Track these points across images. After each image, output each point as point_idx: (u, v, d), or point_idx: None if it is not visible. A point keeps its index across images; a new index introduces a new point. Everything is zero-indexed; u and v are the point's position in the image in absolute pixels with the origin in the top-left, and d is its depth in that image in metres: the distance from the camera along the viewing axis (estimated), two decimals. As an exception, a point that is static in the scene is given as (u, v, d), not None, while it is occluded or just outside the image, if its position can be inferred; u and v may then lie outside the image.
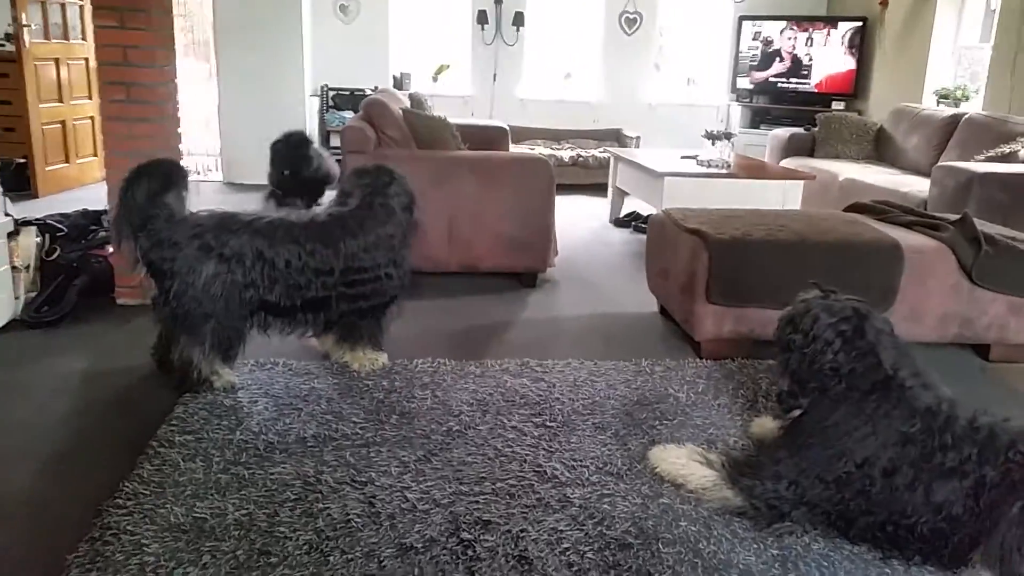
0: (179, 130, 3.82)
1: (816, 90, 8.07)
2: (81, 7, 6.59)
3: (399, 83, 7.68)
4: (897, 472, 1.99)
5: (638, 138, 7.75)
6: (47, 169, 6.21)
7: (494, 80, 8.20)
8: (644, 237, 4.25)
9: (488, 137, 5.83)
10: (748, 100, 8.42)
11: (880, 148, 6.69)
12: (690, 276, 3.33)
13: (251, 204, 4.13)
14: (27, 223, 3.61)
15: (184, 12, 7.18)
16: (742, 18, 8.34)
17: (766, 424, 2.62)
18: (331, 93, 7.60)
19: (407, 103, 5.40)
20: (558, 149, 7.60)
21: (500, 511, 2.13)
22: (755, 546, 2.04)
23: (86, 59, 6.63)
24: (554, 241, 4.40)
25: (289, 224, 2.85)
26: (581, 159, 7.41)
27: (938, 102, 6.81)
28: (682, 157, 5.74)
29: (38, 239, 3.60)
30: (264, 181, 4.44)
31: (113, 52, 3.56)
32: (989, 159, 5.13)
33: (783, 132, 7.05)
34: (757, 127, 8.21)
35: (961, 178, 4.61)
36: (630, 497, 2.22)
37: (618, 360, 3.23)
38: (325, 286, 2.88)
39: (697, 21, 8.72)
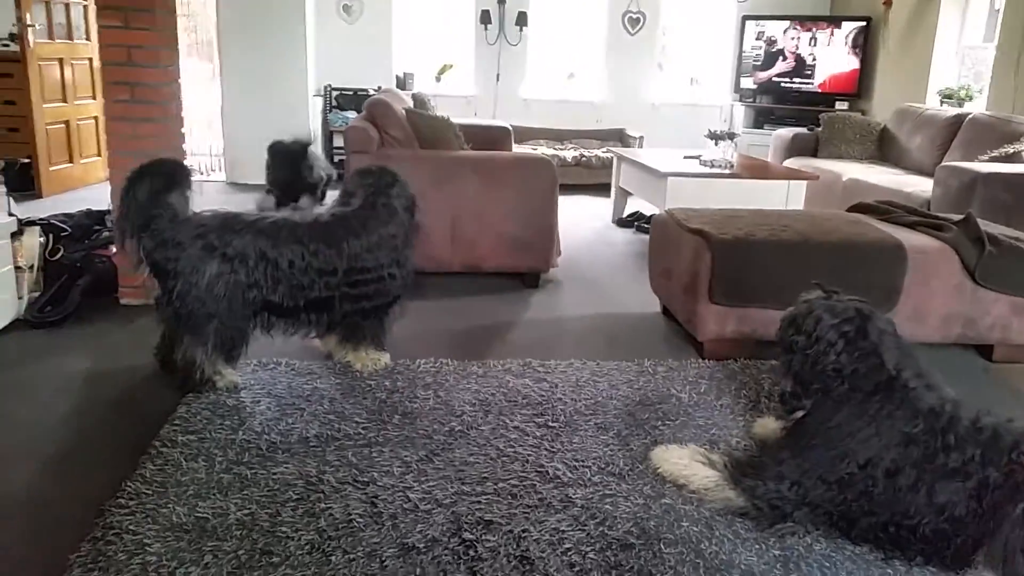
0: (183, 130, 3.82)
1: (819, 90, 8.05)
2: (85, 7, 6.61)
3: (402, 83, 7.69)
4: (900, 473, 1.99)
5: (641, 138, 7.75)
6: (51, 169, 6.22)
7: (497, 80, 8.20)
8: (647, 237, 4.25)
9: (491, 137, 5.83)
10: (751, 100, 8.41)
11: (884, 148, 6.68)
12: (693, 276, 3.33)
13: (252, 203, 4.14)
14: (31, 223, 3.62)
15: (187, 12, 7.19)
16: (745, 18, 8.33)
17: (769, 424, 2.62)
18: (334, 93, 7.61)
19: (410, 103, 5.40)
20: (561, 149, 7.60)
21: (502, 511, 2.13)
22: (757, 547, 2.03)
23: (90, 59, 6.65)
24: (557, 241, 4.40)
25: (293, 224, 2.86)
26: (584, 159, 7.41)
27: (942, 102, 6.80)
28: (685, 157, 5.74)
29: (42, 239, 3.61)
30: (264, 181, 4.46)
31: (117, 52, 3.56)
32: (993, 159, 5.11)
33: (786, 132, 7.04)
34: (760, 127, 8.20)
35: (965, 178, 4.60)
36: (632, 497, 2.22)
37: (620, 360, 3.23)
38: (328, 286, 2.88)
39: (700, 21, 8.70)
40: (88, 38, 6.66)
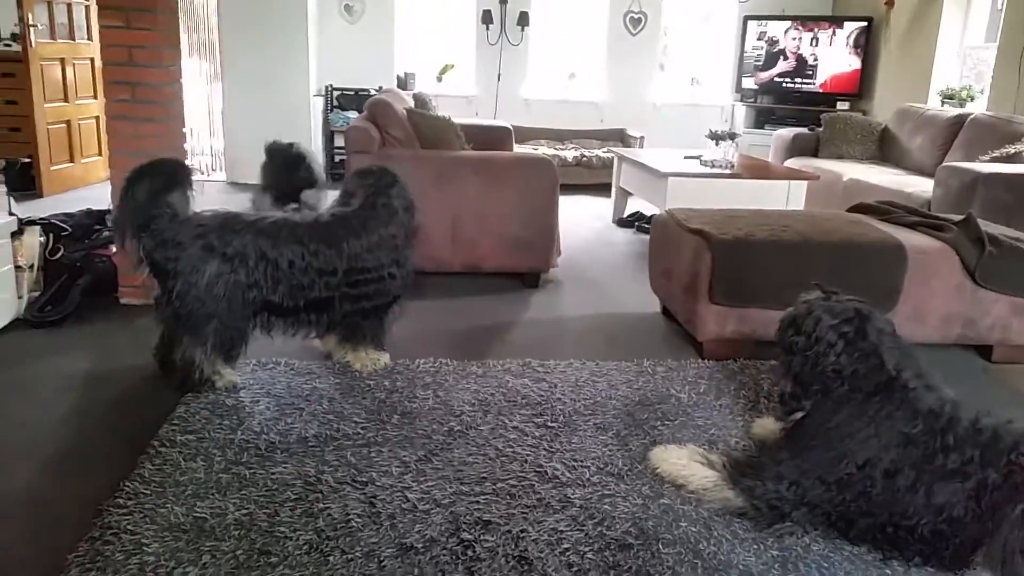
0: (184, 130, 3.83)
1: (821, 90, 8.05)
2: (87, 7, 6.61)
3: (403, 83, 7.69)
4: (898, 473, 1.99)
5: (642, 138, 7.74)
6: (52, 169, 6.23)
7: (498, 80, 8.20)
8: (647, 237, 4.25)
9: (492, 137, 5.83)
10: (752, 100, 8.40)
11: (884, 148, 6.68)
12: (693, 276, 3.32)
13: (248, 203, 4.13)
14: (31, 222, 3.63)
15: (189, 12, 7.19)
16: (747, 18, 8.32)
17: (768, 425, 2.62)
18: (335, 93, 7.61)
19: (411, 103, 5.40)
20: (562, 149, 7.60)
21: (500, 511, 2.13)
22: (755, 547, 2.03)
23: (92, 59, 6.66)
24: (557, 241, 4.40)
25: (293, 224, 2.86)
26: (585, 159, 7.41)
27: (943, 102, 6.79)
28: (686, 157, 5.73)
29: (42, 238, 3.61)
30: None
31: (119, 52, 3.57)
32: (994, 159, 5.11)
33: (787, 132, 7.03)
34: (761, 127, 8.19)
35: (966, 178, 4.60)
36: (631, 498, 2.22)
37: (620, 360, 3.23)
38: (328, 286, 2.88)
39: (702, 21, 8.70)
40: (90, 38, 6.67)
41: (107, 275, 3.74)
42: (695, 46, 8.83)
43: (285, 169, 3.67)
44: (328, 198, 3.41)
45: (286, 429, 2.54)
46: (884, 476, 2.00)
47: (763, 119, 8.31)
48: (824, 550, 2.03)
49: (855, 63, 7.81)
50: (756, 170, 5.50)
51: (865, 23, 7.71)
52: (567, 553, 1.97)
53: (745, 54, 8.37)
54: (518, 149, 6.53)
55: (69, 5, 6.43)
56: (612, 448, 2.50)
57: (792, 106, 8.15)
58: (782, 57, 8.18)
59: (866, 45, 7.72)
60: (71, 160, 6.50)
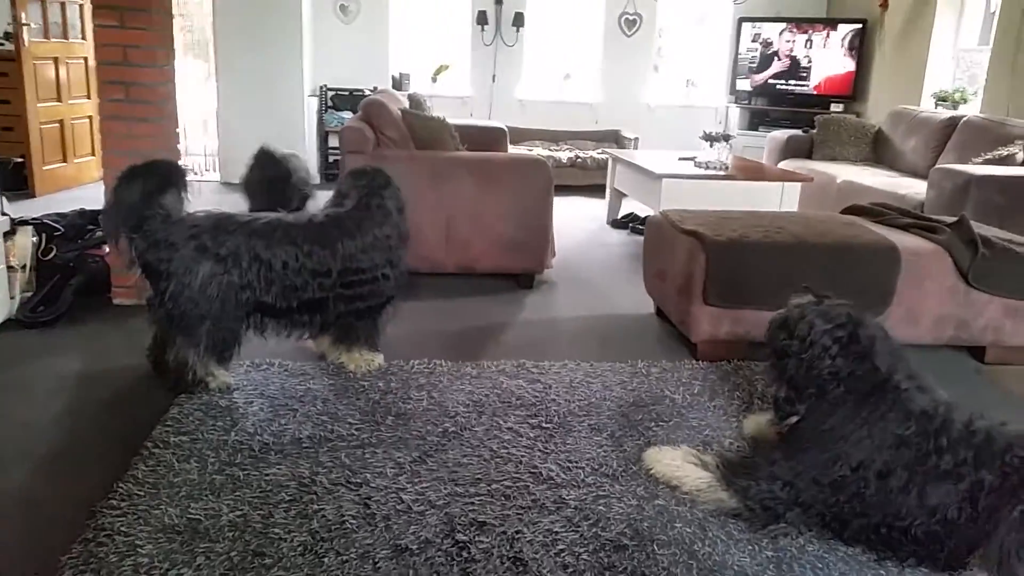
0: (178, 130, 3.81)
1: (815, 92, 8.07)
2: (81, 6, 6.59)
3: (398, 83, 7.68)
4: (892, 474, 2.00)
5: (636, 139, 7.75)
6: (45, 168, 6.20)
7: (493, 81, 8.20)
8: (641, 238, 4.25)
9: (487, 138, 5.84)
10: (747, 102, 8.42)
11: (878, 150, 6.70)
12: (687, 277, 3.33)
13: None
14: (24, 222, 3.61)
15: (183, 12, 7.18)
16: (741, 20, 8.34)
17: (760, 421, 2.62)
18: (330, 93, 7.60)
19: (406, 103, 5.40)
20: (556, 150, 7.60)
21: (495, 512, 2.12)
22: (750, 548, 2.04)
23: (85, 58, 6.63)
24: (552, 242, 4.40)
25: (286, 225, 2.85)
26: (579, 160, 7.42)
27: (936, 104, 6.82)
28: (680, 159, 5.74)
29: (34, 239, 3.60)
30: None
31: (113, 51, 3.55)
32: (987, 162, 5.13)
33: (781, 134, 7.05)
34: (755, 129, 8.21)
35: (959, 180, 4.62)
36: (625, 499, 2.22)
37: (614, 361, 3.23)
38: (322, 287, 2.88)
39: (696, 22, 8.72)
40: (83, 37, 6.64)
41: (100, 275, 3.73)
42: (689, 48, 8.85)
43: (270, 182, 3.68)
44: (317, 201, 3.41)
45: (280, 430, 2.53)
46: (877, 477, 2.01)
47: (757, 121, 8.33)
48: (819, 551, 2.04)
49: (849, 65, 7.84)
50: (750, 172, 5.51)
51: (859, 25, 7.74)
52: (562, 554, 1.97)
53: (739, 56, 8.39)
54: (513, 150, 6.53)
55: (63, 4, 6.40)
56: (607, 449, 2.50)
57: (786, 108, 8.17)
58: (776, 59, 8.20)
59: (860, 47, 7.75)
60: (64, 160, 6.48)
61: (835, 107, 7.80)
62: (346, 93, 7.57)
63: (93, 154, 6.78)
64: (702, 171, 5.33)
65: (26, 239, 3.56)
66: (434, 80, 8.14)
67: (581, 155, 7.46)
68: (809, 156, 6.77)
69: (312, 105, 7.33)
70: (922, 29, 6.99)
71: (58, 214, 3.91)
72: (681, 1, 8.52)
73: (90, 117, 6.71)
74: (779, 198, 5.17)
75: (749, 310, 3.25)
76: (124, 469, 2.26)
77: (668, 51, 8.83)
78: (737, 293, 3.25)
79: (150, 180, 2.69)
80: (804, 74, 8.10)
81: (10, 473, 2.28)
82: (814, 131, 6.88)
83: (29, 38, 5.89)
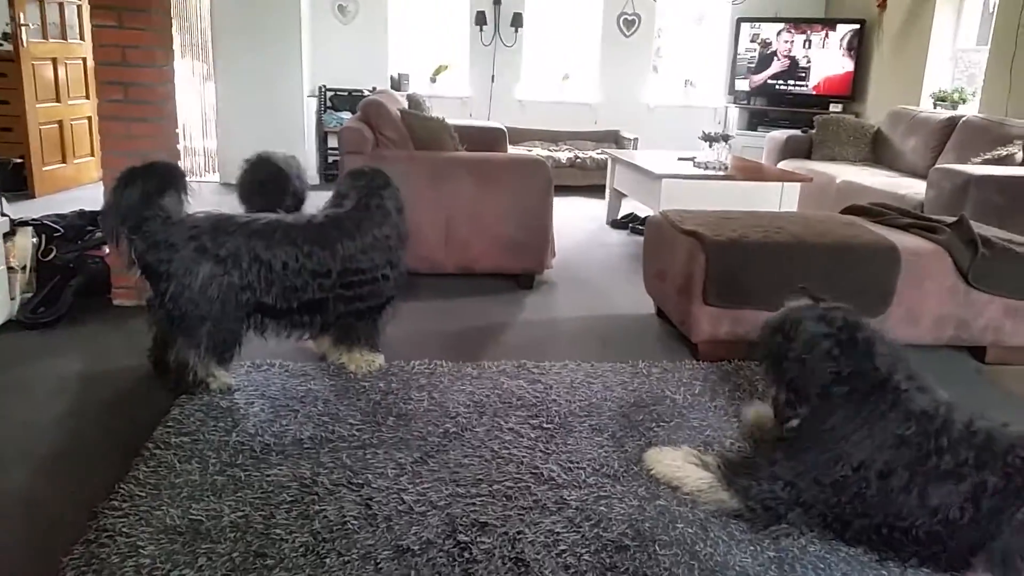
0: (177, 130, 3.81)
1: (814, 92, 8.07)
2: (79, 7, 6.58)
3: (397, 84, 7.68)
4: (893, 474, 2.00)
5: (636, 140, 7.75)
6: (44, 169, 6.19)
7: (492, 81, 8.20)
8: (641, 239, 4.25)
9: (486, 138, 5.84)
10: (746, 102, 8.43)
11: (877, 150, 6.70)
12: (687, 278, 3.33)
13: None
14: (23, 223, 3.61)
15: (182, 12, 7.17)
16: (740, 20, 8.34)
17: (761, 411, 2.61)
18: (329, 94, 7.59)
19: (405, 104, 5.40)
20: (556, 150, 7.60)
21: (497, 513, 2.12)
22: (751, 548, 2.04)
23: (84, 59, 6.62)
24: (551, 242, 4.40)
25: (286, 226, 2.85)
26: (579, 160, 7.42)
27: (935, 104, 6.82)
28: (679, 159, 5.74)
29: (34, 239, 3.60)
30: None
31: (111, 52, 3.55)
32: (986, 162, 5.13)
33: (780, 134, 7.06)
34: (755, 129, 8.22)
35: (958, 180, 4.62)
36: (627, 499, 2.22)
37: (615, 362, 3.23)
38: (322, 288, 2.87)
39: (695, 23, 8.72)
40: (82, 38, 6.63)
41: (100, 276, 3.72)
42: (688, 48, 8.85)
43: (260, 184, 3.69)
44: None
45: (281, 431, 2.53)
46: (879, 477, 2.01)
47: (756, 121, 8.33)
48: (820, 551, 2.04)
49: (848, 65, 7.84)
50: (749, 172, 5.51)
51: (858, 25, 7.74)
52: (564, 555, 1.97)
53: (738, 56, 8.39)
54: (512, 150, 6.53)
55: (61, 4, 6.40)
56: (608, 450, 2.50)
57: (785, 108, 8.17)
58: (775, 59, 8.20)
59: (859, 47, 7.75)
60: (63, 160, 6.47)
61: (834, 107, 7.81)
62: (345, 93, 7.57)
63: (92, 155, 6.78)
64: (701, 171, 5.33)
65: (26, 240, 3.55)
66: (433, 80, 8.15)
67: (580, 155, 7.46)
68: (808, 156, 6.78)
69: (311, 105, 7.33)
70: (921, 29, 6.99)
71: (58, 215, 3.90)
72: (680, 1, 8.53)
73: (89, 118, 6.70)
74: (778, 198, 5.18)
75: (749, 310, 3.25)
76: (125, 470, 2.25)
77: (667, 51, 8.83)
78: (737, 293, 3.25)
79: (150, 181, 2.69)
80: (803, 74, 8.11)
81: (11, 474, 2.28)
82: (813, 131, 6.88)
83: (28, 39, 5.89)
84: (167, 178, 2.76)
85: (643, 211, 5.89)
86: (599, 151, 7.45)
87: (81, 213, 3.97)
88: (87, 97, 6.70)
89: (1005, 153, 5.11)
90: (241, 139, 6.70)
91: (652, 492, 2.27)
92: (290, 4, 6.90)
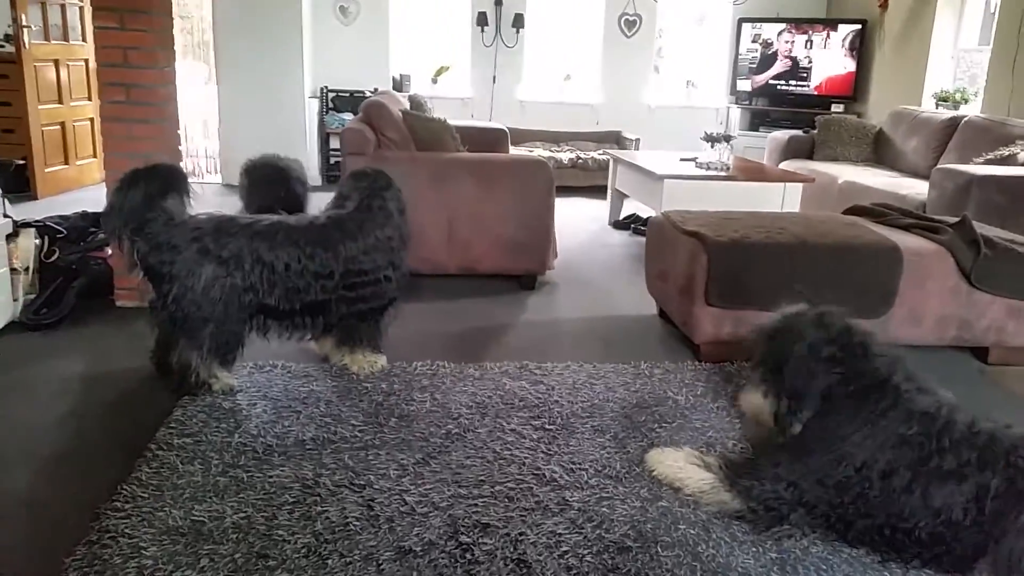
0: (178, 131, 3.81)
1: (815, 92, 8.07)
2: (81, 8, 6.59)
3: (399, 85, 7.68)
4: (895, 474, 1.99)
5: (637, 140, 7.75)
6: (46, 171, 6.21)
7: (494, 82, 8.20)
8: (643, 239, 4.25)
9: (487, 139, 5.84)
10: (747, 102, 8.43)
11: (879, 151, 6.70)
12: (689, 278, 3.33)
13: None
14: (26, 225, 3.61)
15: (184, 13, 7.18)
16: (741, 20, 8.34)
17: (757, 400, 2.58)
18: (331, 95, 7.60)
19: (407, 105, 5.40)
20: (557, 151, 7.60)
21: (499, 514, 2.12)
22: (754, 549, 2.04)
23: (86, 60, 6.64)
24: (553, 243, 4.40)
25: (289, 227, 2.85)
26: (580, 161, 7.42)
27: (937, 105, 6.82)
28: (681, 159, 5.74)
29: (37, 241, 3.60)
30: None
31: (113, 53, 3.56)
32: (988, 162, 5.13)
33: (782, 134, 7.05)
34: (756, 129, 8.22)
35: (960, 181, 4.62)
36: (629, 500, 2.22)
37: (617, 363, 3.23)
38: (324, 289, 2.88)
39: (696, 23, 8.71)
40: (84, 39, 6.65)
41: (103, 277, 3.73)
42: (690, 48, 8.85)
43: (253, 184, 3.69)
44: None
45: (283, 432, 2.53)
46: (881, 477, 2.01)
47: (758, 121, 8.33)
48: (823, 552, 2.04)
49: (849, 65, 7.84)
50: (751, 172, 5.51)
51: (859, 26, 7.74)
52: (566, 556, 1.97)
53: (740, 56, 8.39)
54: (514, 151, 6.53)
55: (63, 6, 6.41)
56: (610, 451, 2.50)
57: (787, 108, 8.17)
58: (777, 60, 8.20)
59: (860, 48, 7.75)
60: (66, 162, 6.48)
61: (836, 107, 7.80)
62: (347, 95, 7.58)
63: (95, 156, 6.79)
64: (703, 172, 5.33)
65: (29, 241, 3.55)
66: (434, 81, 8.15)
67: (582, 156, 7.46)
68: (810, 157, 6.77)
69: (313, 107, 7.34)
70: (922, 29, 6.99)
71: (60, 216, 3.91)
72: (681, 2, 8.53)
73: (91, 119, 6.72)
74: (780, 199, 5.17)
75: (751, 311, 3.24)
76: (128, 471, 2.26)
77: (668, 52, 8.84)
78: (739, 294, 3.25)
79: (152, 183, 2.69)
80: (804, 75, 8.10)
81: (13, 475, 2.28)
82: (815, 132, 6.88)
83: (30, 40, 5.90)
84: (169, 180, 2.76)
85: (645, 212, 5.89)
86: (601, 152, 7.45)
87: (84, 214, 3.98)
88: (89, 98, 6.71)
89: (1007, 153, 5.10)
90: (243, 140, 6.71)
91: (654, 493, 2.27)
92: (292, 5, 6.91)
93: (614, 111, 8.36)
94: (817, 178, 5.72)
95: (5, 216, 3.51)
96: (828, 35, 7.92)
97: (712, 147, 5.53)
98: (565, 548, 1.99)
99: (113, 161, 3.58)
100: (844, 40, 7.83)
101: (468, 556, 1.95)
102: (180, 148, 3.84)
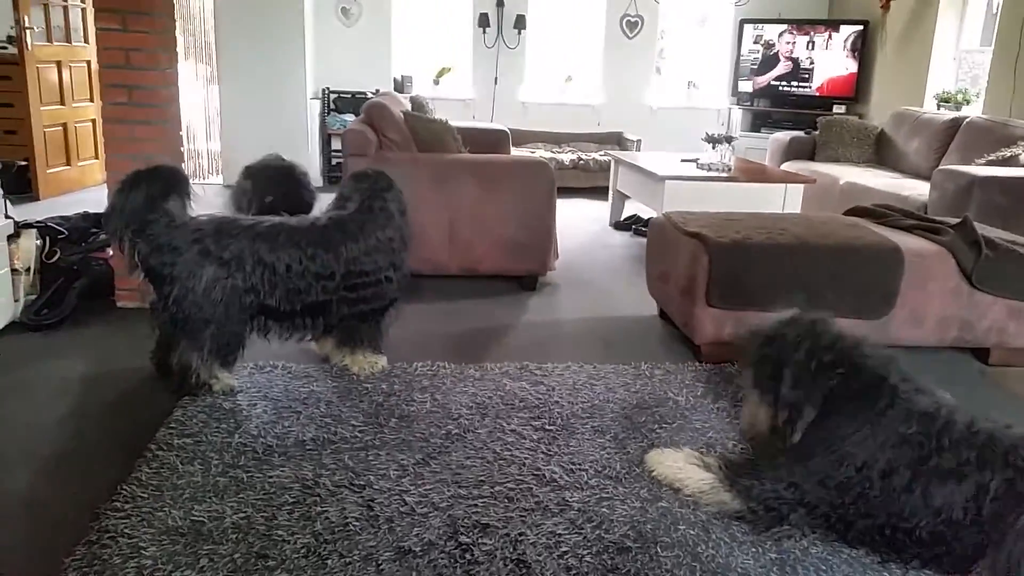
0: (180, 132, 3.82)
1: (817, 93, 8.07)
2: (83, 10, 6.61)
3: (400, 86, 7.69)
4: (895, 473, 1.99)
5: (639, 141, 7.75)
6: (48, 172, 6.22)
7: (495, 83, 8.20)
8: (644, 240, 4.25)
9: (489, 140, 5.84)
10: (749, 104, 8.42)
11: (881, 152, 6.69)
12: (690, 279, 3.33)
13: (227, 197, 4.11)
14: (28, 225, 3.62)
15: (186, 15, 7.19)
16: (743, 21, 8.34)
17: (753, 411, 2.58)
18: (332, 96, 7.61)
19: (408, 106, 5.40)
20: (559, 152, 7.60)
21: (499, 515, 2.12)
22: (753, 550, 2.03)
23: (88, 62, 6.65)
24: (554, 244, 4.40)
25: (290, 228, 2.85)
26: (582, 162, 7.42)
27: (939, 106, 6.81)
28: (683, 160, 5.74)
29: (38, 242, 3.61)
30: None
31: (115, 55, 3.56)
32: (990, 163, 5.12)
33: (784, 136, 7.05)
34: (758, 131, 8.21)
35: (961, 182, 4.61)
36: (629, 501, 2.22)
37: (617, 363, 3.23)
38: (326, 290, 2.88)
39: (698, 24, 8.72)
40: (86, 41, 6.66)
41: (104, 278, 3.73)
42: (691, 49, 8.85)
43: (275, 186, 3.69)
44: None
45: (283, 432, 2.53)
46: (881, 477, 2.01)
47: (759, 122, 8.32)
48: (823, 553, 2.04)
49: (851, 66, 7.83)
50: (753, 173, 5.51)
51: (861, 27, 7.73)
52: (565, 556, 1.97)
53: (741, 57, 8.39)
54: (515, 152, 6.54)
55: (65, 7, 6.42)
56: (610, 451, 2.50)
57: (788, 109, 8.16)
58: (778, 61, 8.20)
59: (862, 49, 7.74)
60: (67, 163, 6.49)
61: (837, 108, 7.80)
62: (348, 96, 7.59)
63: (97, 157, 6.79)
64: (705, 173, 5.33)
65: (30, 242, 3.56)
66: (436, 82, 8.16)
67: (584, 157, 7.46)
68: (812, 158, 6.77)
69: (314, 108, 7.35)
70: (924, 30, 6.98)
71: (62, 217, 3.91)
72: (682, 3, 8.53)
73: (93, 120, 6.73)
74: (782, 200, 5.17)
75: (752, 312, 3.24)
76: (128, 471, 2.26)
77: (670, 53, 8.84)
78: (740, 295, 3.25)
79: (154, 185, 2.70)
80: (806, 76, 8.10)
81: (14, 475, 2.28)
82: (816, 133, 6.88)
83: (32, 42, 5.91)
84: (171, 181, 2.76)
85: (646, 213, 5.88)
86: (602, 153, 7.45)
87: (85, 215, 3.98)
88: (91, 100, 6.73)
89: (1009, 154, 5.10)
90: (245, 142, 6.71)
91: (654, 494, 2.26)
92: (293, 7, 6.92)
93: (615, 112, 8.36)
94: (819, 179, 5.72)
95: (7, 217, 3.52)
96: (830, 36, 7.92)
97: (713, 148, 5.53)
98: (565, 548, 1.99)
99: (115, 162, 3.58)
100: (846, 41, 7.82)
101: (468, 556, 1.95)
102: (182, 149, 3.84)
